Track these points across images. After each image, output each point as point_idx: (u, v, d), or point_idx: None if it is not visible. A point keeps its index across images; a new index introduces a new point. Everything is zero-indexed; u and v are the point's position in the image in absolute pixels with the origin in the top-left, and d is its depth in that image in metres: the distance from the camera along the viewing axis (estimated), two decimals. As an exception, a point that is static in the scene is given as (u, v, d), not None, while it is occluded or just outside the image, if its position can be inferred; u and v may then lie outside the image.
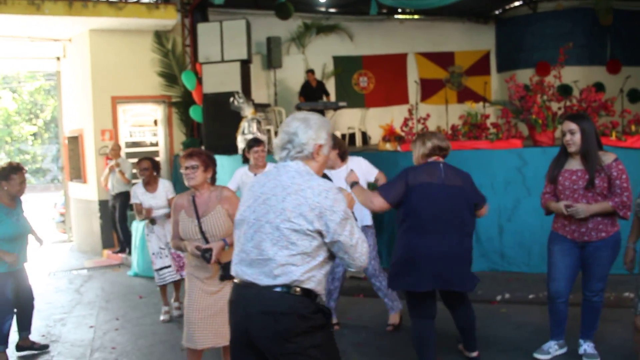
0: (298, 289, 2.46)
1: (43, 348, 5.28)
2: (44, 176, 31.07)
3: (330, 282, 5.23)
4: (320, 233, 2.45)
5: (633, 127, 6.53)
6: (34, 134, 29.84)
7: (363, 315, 5.75)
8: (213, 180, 3.93)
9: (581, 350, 4.38)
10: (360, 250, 2.52)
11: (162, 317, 5.97)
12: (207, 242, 3.77)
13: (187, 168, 3.80)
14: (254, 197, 2.57)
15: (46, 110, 29.25)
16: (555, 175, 4.26)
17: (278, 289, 2.45)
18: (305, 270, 2.46)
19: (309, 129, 2.56)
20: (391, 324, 5.31)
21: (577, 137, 4.10)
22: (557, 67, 6.80)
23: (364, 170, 5.13)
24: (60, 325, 6.02)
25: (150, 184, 6.15)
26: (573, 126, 4.12)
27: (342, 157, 5.14)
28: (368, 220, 5.18)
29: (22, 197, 5.09)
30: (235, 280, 2.61)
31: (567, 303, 4.40)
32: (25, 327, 5.22)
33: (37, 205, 20.10)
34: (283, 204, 2.45)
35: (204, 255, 3.66)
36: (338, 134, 10.68)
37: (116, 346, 5.27)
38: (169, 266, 6.00)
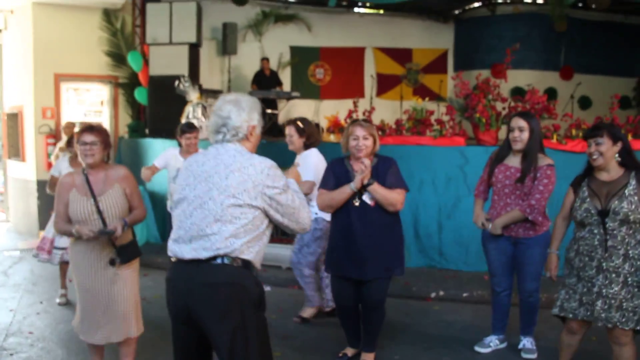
0: (239, 261, 2.51)
1: None
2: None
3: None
4: (261, 208, 2.55)
5: (574, 131, 6.58)
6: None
7: (296, 307, 5.64)
8: (107, 158, 3.74)
9: (520, 345, 4.46)
10: (302, 213, 2.66)
11: (58, 300, 5.87)
12: (104, 222, 3.55)
13: (85, 143, 3.53)
14: (194, 176, 2.61)
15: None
16: (493, 168, 4.30)
17: (219, 261, 2.49)
18: (246, 241, 2.52)
19: (241, 112, 2.61)
20: (300, 316, 5.29)
21: (525, 135, 4.12)
22: (504, 68, 6.80)
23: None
24: (-21, 308, 5.74)
25: (76, 160, 5.90)
26: (523, 123, 4.13)
27: (307, 147, 5.06)
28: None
29: None
30: (172, 259, 2.62)
31: (510, 296, 4.48)
32: None
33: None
34: (227, 181, 2.51)
35: (105, 234, 3.46)
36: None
37: (34, 331, 5.04)
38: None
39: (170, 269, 2.65)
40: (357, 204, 3.96)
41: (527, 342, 4.45)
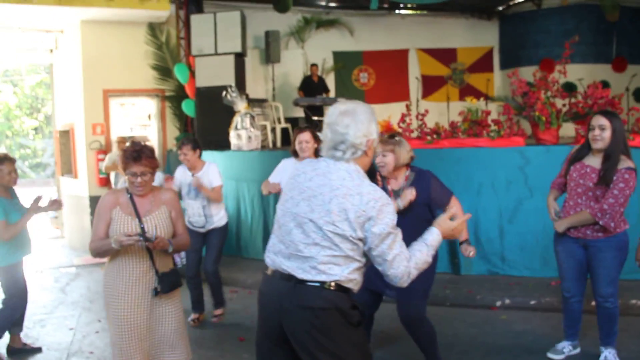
0: (333, 284, 2.38)
1: (35, 351, 5.00)
2: (44, 170, 30.89)
3: None
4: (362, 240, 2.38)
5: (641, 126, 6.25)
6: (35, 129, 29.64)
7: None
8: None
9: (602, 358, 4.21)
10: (395, 267, 2.38)
11: None
12: (147, 246, 3.30)
13: (135, 175, 3.26)
14: (299, 190, 2.47)
15: (47, 104, 29.04)
16: (569, 166, 4.13)
17: (317, 284, 2.37)
18: (348, 272, 2.40)
19: (360, 125, 2.39)
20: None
21: (607, 134, 3.91)
22: (562, 62, 6.50)
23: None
24: (40, 327, 5.75)
25: None
26: (604, 121, 3.93)
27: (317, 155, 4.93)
28: None
29: (20, 190, 4.89)
30: (267, 272, 2.52)
31: (581, 302, 4.28)
32: (17, 322, 4.95)
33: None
34: (329, 205, 2.35)
35: (147, 240, 3.16)
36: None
37: (94, 350, 5.01)
38: None
39: (264, 281, 2.55)
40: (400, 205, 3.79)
41: (608, 354, 4.18)
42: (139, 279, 3.31)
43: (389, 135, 3.90)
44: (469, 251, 3.77)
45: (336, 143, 2.41)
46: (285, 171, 5.34)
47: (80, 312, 6.24)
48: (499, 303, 5.71)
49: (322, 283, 2.37)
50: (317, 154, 4.89)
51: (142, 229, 3.27)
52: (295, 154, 5.05)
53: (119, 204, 3.33)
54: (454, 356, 4.49)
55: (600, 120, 3.94)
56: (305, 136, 4.92)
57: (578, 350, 4.40)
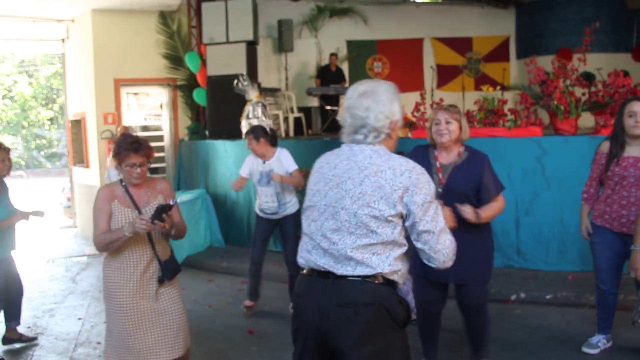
0: (380, 278, 2.19)
1: (31, 340, 4.99)
2: (59, 160, 31.06)
3: None
4: (402, 217, 2.19)
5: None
6: (51, 119, 29.79)
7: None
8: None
9: None
10: (443, 241, 2.21)
11: None
12: (149, 236, 3.31)
13: (133, 166, 3.24)
14: (324, 180, 2.30)
15: (62, 95, 29.13)
16: (609, 164, 3.97)
17: (359, 279, 2.18)
18: (389, 262, 2.19)
19: (382, 106, 2.22)
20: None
21: None
22: (582, 50, 6.30)
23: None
24: (49, 317, 5.72)
25: None
26: None
27: None
28: None
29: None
30: (304, 271, 2.35)
31: (616, 295, 4.17)
32: (13, 317, 4.93)
33: (50, 189, 19.95)
34: (361, 187, 2.18)
35: (160, 212, 3.09)
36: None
37: (102, 341, 4.91)
38: None
39: (299, 283, 2.37)
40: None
41: None
42: (144, 269, 3.31)
43: (450, 105, 3.68)
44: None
45: (357, 128, 2.26)
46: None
47: (90, 301, 6.21)
48: (513, 297, 5.58)
49: (364, 277, 2.18)
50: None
51: (149, 237, 3.29)
52: None
53: (116, 197, 3.31)
54: (467, 350, 4.36)
55: (637, 107, 3.83)
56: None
57: (611, 343, 4.29)
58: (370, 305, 2.16)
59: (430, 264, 2.26)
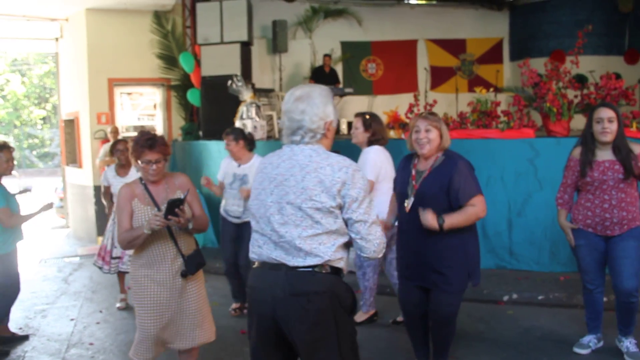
0: (327, 267, 2.40)
1: (23, 339, 4.98)
2: (52, 160, 30.93)
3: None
4: (341, 208, 2.41)
5: (655, 118, 6.09)
6: (43, 118, 29.66)
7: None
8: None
9: (624, 348, 4.18)
10: (374, 232, 2.44)
11: (118, 305, 5.89)
12: (170, 232, 3.36)
13: (150, 162, 3.29)
14: (269, 179, 2.49)
15: (55, 94, 28.97)
16: (584, 170, 4.01)
17: (308, 268, 2.38)
18: (334, 250, 2.40)
19: (315, 109, 2.44)
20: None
21: (615, 126, 3.89)
22: (575, 52, 6.34)
23: None
24: (41, 317, 5.70)
25: (123, 167, 5.82)
26: (612, 114, 3.91)
27: (371, 144, 4.85)
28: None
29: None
30: (255, 265, 2.52)
31: (603, 294, 4.20)
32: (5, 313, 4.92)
33: (42, 189, 19.87)
34: (303, 183, 2.39)
35: (172, 207, 3.13)
36: (344, 121, 10.31)
37: (94, 342, 4.94)
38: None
39: (253, 276, 2.54)
40: (407, 209, 3.65)
41: (629, 344, 4.15)
42: (170, 265, 3.39)
43: (429, 112, 3.69)
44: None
45: (294, 130, 2.46)
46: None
47: (82, 302, 6.19)
48: (506, 298, 5.60)
49: (314, 267, 2.37)
50: (369, 142, 4.80)
51: (170, 232, 3.34)
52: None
53: (136, 195, 3.39)
54: (459, 351, 4.38)
55: (608, 113, 3.92)
56: (355, 122, 4.87)
57: (602, 343, 4.32)
58: (322, 294, 2.37)
59: (362, 254, 2.48)
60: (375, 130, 4.79)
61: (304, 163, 2.42)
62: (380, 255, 2.50)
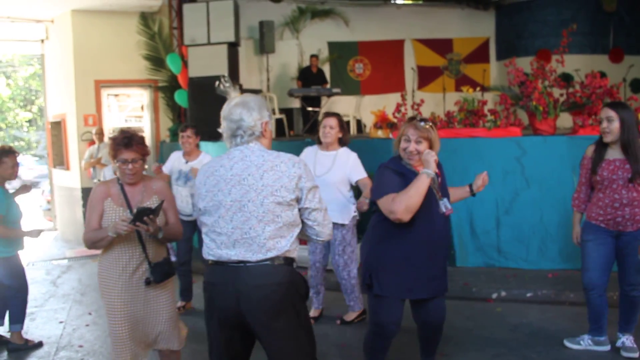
0: (283, 259, 2.58)
1: (37, 346, 4.90)
2: (39, 162, 30.67)
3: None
4: (297, 200, 2.61)
5: None
6: (29, 121, 29.42)
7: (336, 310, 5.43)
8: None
9: (619, 343, 4.21)
10: (328, 218, 2.71)
11: None
12: (139, 236, 3.27)
13: (126, 162, 3.21)
14: (224, 180, 2.60)
15: (41, 96, 28.71)
16: (595, 167, 4.06)
17: (268, 262, 2.55)
18: (292, 241, 2.61)
19: (252, 111, 2.63)
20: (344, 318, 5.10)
21: (615, 125, 3.92)
22: (560, 52, 6.41)
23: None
24: (29, 320, 5.64)
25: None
26: (611, 113, 3.93)
27: (341, 145, 4.90)
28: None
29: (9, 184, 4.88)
30: (210, 263, 2.65)
31: (603, 296, 4.18)
32: (19, 319, 4.86)
33: (29, 192, 19.70)
34: (262, 180, 2.55)
35: (141, 215, 3.05)
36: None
37: (84, 344, 4.92)
38: None
39: (210, 274, 2.66)
40: (443, 209, 3.33)
41: (626, 340, 4.18)
42: (134, 270, 3.30)
43: (420, 119, 3.40)
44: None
45: (234, 130, 2.62)
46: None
47: (71, 305, 6.15)
48: (494, 295, 5.64)
49: (272, 259, 2.55)
50: (341, 143, 4.81)
51: (139, 236, 3.26)
52: (319, 141, 4.92)
53: (111, 195, 3.30)
54: (449, 349, 4.41)
55: (607, 113, 3.96)
56: (331, 121, 4.81)
57: (601, 347, 4.26)
58: (283, 284, 2.56)
59: (318, 239, 2.72)
60: (345, 130, 4.87)
61: (258, 163, 2.58)
62: (330, 239, 2.79)
